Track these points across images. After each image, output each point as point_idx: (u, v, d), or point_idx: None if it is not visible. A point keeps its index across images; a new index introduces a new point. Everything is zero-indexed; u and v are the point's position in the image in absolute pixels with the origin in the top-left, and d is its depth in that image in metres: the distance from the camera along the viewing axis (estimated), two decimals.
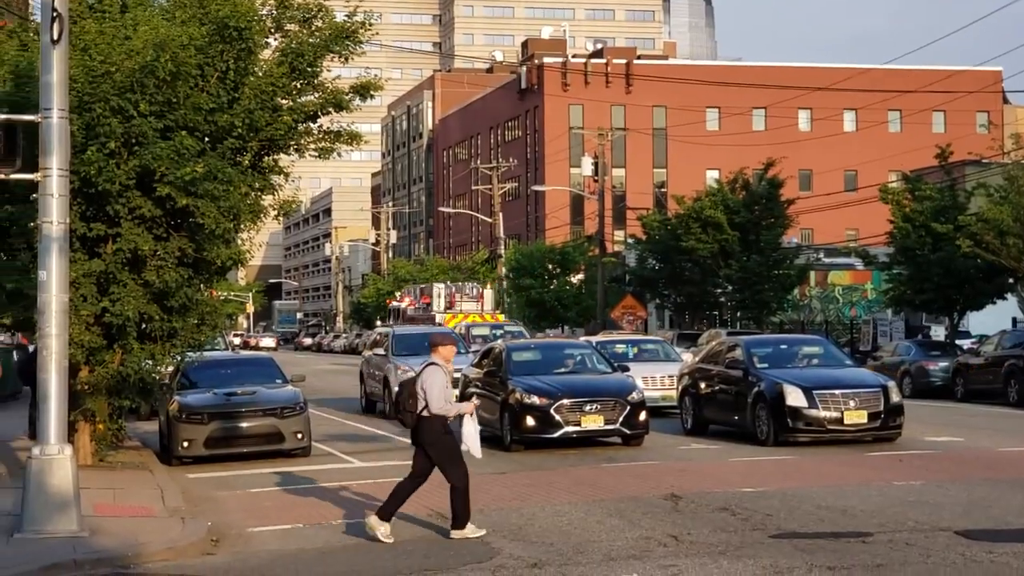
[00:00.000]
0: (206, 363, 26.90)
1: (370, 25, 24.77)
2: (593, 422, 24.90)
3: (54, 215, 16.07)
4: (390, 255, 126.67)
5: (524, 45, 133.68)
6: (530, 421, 24.98)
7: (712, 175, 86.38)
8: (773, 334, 47.97)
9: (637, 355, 34.47)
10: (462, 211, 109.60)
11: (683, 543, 14.63)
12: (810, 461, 22.40)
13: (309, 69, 24.18)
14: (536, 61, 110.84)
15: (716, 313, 69.43)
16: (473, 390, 27.49)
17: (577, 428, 24.87)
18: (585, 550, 14.42)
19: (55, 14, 15.97)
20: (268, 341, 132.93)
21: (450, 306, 63.53)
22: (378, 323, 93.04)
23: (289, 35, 24.24)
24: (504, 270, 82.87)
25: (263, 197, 24.22)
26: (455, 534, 15.71)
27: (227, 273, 25.41)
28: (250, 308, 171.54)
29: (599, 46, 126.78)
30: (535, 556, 14.20)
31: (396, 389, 33.14)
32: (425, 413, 15.79)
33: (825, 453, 23.46)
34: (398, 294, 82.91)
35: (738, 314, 65.18)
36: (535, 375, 26.24)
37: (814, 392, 24.44)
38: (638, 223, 70.33)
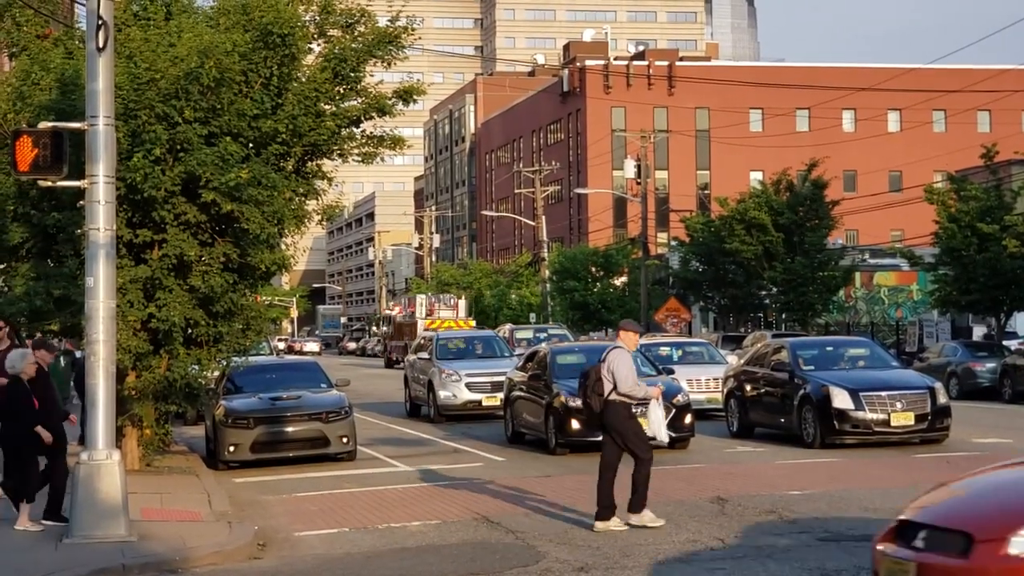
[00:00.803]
0: (252, 368, 27.00)
1: (412, 30, 24.82)
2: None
3: (101, 222, 16.16)
4: (433, 259, 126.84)
5: (566, 48, 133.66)
6: (575, 424, 24.65)
7: (756, 176, 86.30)
8: (818, 336, 47.74)
9: (682, 357, 34.39)
10: (504, 215, 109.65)
11: (730, 546, 14.59)
12: (857, 463, 22.29)
13: (352, 74, 24.25)
14: (578, 64, 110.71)
15: (761, 315, 69.18)
16: (518, 393, 27.48)
17: None
18: (631, 553, 14.40)
19: (100, 22, 16.05)
20: (312, 346, 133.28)
21: (430, 313, 75.05)
22: (375, 329, 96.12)
23: (332, 40, 24.32)
24: (547, 273, 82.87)
25: (307, 202, 24.31)
26: (633, 519, 16.04)
27: (271, 278, 25.48)
28: (294, 313, 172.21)
29: (641, 48, 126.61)
30: (581, 560, 14.19)
31: (442, 394, 33.41)
32: (612, 397, 16.26)
33: (872, 455, 23.35)
34: (391, 303, 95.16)
35: (783, 316, 64.92)
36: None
37: (860, 394, 24.32)
38: (681, 225, 70.19)
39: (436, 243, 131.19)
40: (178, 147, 21.31)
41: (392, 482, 22.08)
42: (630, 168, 77.25)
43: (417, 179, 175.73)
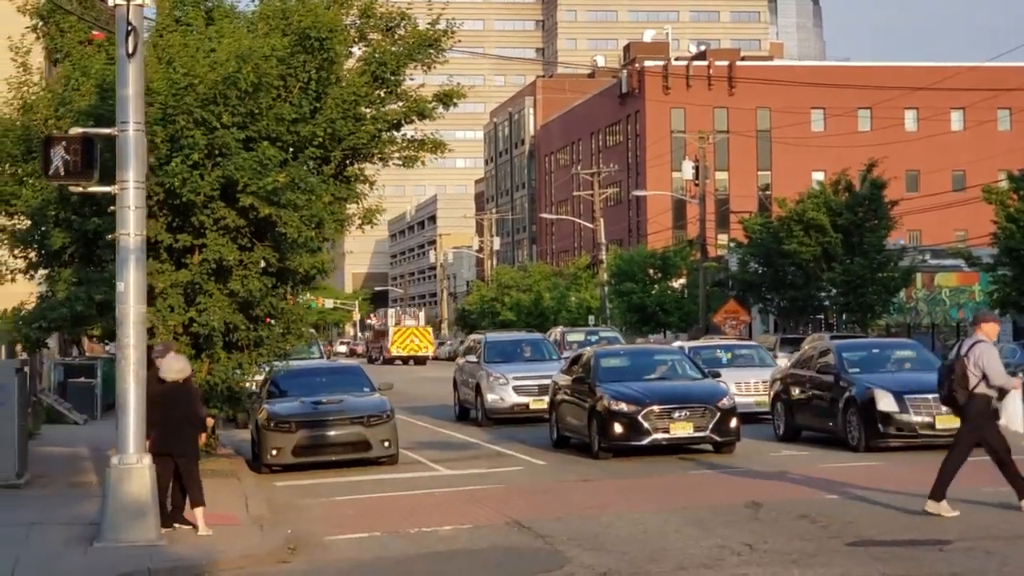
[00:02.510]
0: (296, 372, 27.09)
1: (452, 33, 24.83)
2: (682, 429, 24.34)
3: (131, 227, 16.25)
4: (494, 262, 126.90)
5: (626, 49, 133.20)
6: (618, 428, 24.42)
7: (817, 177, 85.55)
8: (877, 338, 47.25)
9: (731, 360, 34.13)
10: (563, 217, 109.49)
11: (757, 551, 14.43)
12: (900, 467, 22.02)
13: (392, 77, 24.29)
14: (637, 65, 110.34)
15: (821, 317, 68.64)
16: (562, 397, 27.35)
17: (666, 435, 24.32)
18: (658, 559, 14.27)
19: (130, 28, 16.14)
20: None
21: (398, 322, 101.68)
22: (367, 333, 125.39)
23: (372, 44, 24.36)
24: (605, 275, 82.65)
25: (347, 206, 24.36)
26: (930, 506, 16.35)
27: (311, 282, 25.53)
28: (356, 316, 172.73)
29: (702, 48, 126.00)
30: (606, 565, 14.08)
31: (490, 397, 33.26)
32: (979, 390, 16.36)
33: (916, 458, 22.99)
34: (372, 315, 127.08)
35: (843, 318, 64.37)
36: (624, 381, 25.74)
37: (905, 397, 24.02)
38: (741, 227, 69.78)
39: (496, 246, 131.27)
40: (216, 152, 21.39)
41: (431, 486, 22.04)
42: (688, 169, 76.84)
43: (478, 182, 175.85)
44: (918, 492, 18.71)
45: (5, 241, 23.66)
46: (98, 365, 37.41)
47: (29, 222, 23.29)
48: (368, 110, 24.28)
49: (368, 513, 19.27)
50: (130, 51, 16.11)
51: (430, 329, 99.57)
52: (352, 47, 24.90)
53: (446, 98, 24.88)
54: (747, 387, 31.59)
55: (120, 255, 16.28)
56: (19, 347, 26.15)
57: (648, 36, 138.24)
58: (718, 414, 24.47)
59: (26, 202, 22.16)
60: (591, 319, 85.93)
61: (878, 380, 24.80)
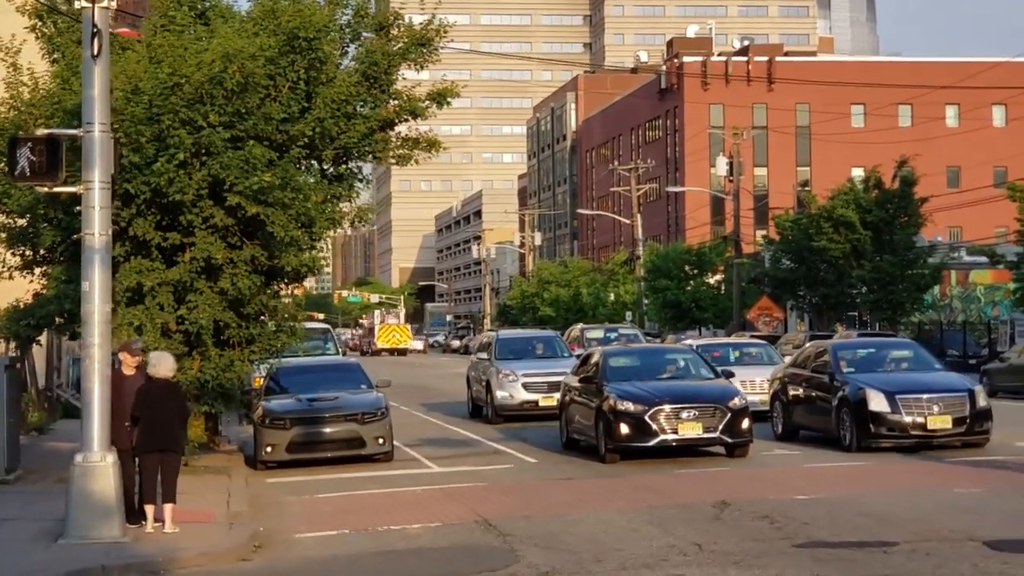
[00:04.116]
0: (294, 368, 27.26)
1: (445, 32, 24.89)
2: (691, 429, 23.33)
3: (96, 227, 16.40)
4: (535, 257, 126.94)
5: (669, 44, 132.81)
6: (624, 428, 23.45)
7: (856, 173, 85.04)
8: (886, 337, 46.78)
9: (739, 359, 33.97)
10: (601, 213, 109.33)
11: (705, 552, 14.48)
12: (885, 467, 21.96)
13: (384, 77, 24.38)
14: (676, 61, 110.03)
15: (855, 314, 68.29)
16: (571, 397, 26.78)
17: (675, 436, 23.29)
18: (604, 558, 14.34)
19: (95, 30, 16.30)
20: (416, 344, 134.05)
21: (383, 321, 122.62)
22: (359, 330, 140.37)
23: (364, 44, 24.47)
24: (642, 271, 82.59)
25: (340, 205, 24.49)
26: None
27: (302, 280, 25.68)
28: (402, 310, 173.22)
29: (746, 43, 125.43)
30: (551, 564, 14.18)
31: (499, 394, 33.36)
32: None
33: (905, 459, 22.99)
34: (364, 316, 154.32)
35: (875, 314, 64.03)
36: (632, 381, 24.83)
37: (897, 397, 23.91)
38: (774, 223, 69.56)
39: (538, 241, 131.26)
40: (203, 151, 21.55)
41: (416, 484, 22.13)
42: (722, 165, 76.60)
43: (520, 177, 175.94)
44: (889, 492, 18.78)
45: (3, 239, 23.92)
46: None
47: (25, 220, 23.55)
48: (362, 109, 24.39)
49: (344, 511, 19.40)
50: (95, 52, 16.27)
51: (408, 326, 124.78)
52: (347, 47, 25.02)
53: (439, 97, 24.94)
54: (753, 386, 31.40)
55: (85, 255, 16.43)
56: (10, 344, 26.42)
57: (691, 31, 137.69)
58: (729, 414, 23.53)
59: (17, 201, 22.41)
60: (628, 315, 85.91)
61: (871, 380, 24.70)
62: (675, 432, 23.38)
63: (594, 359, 26.96)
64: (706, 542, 15.03)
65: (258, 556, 15.92)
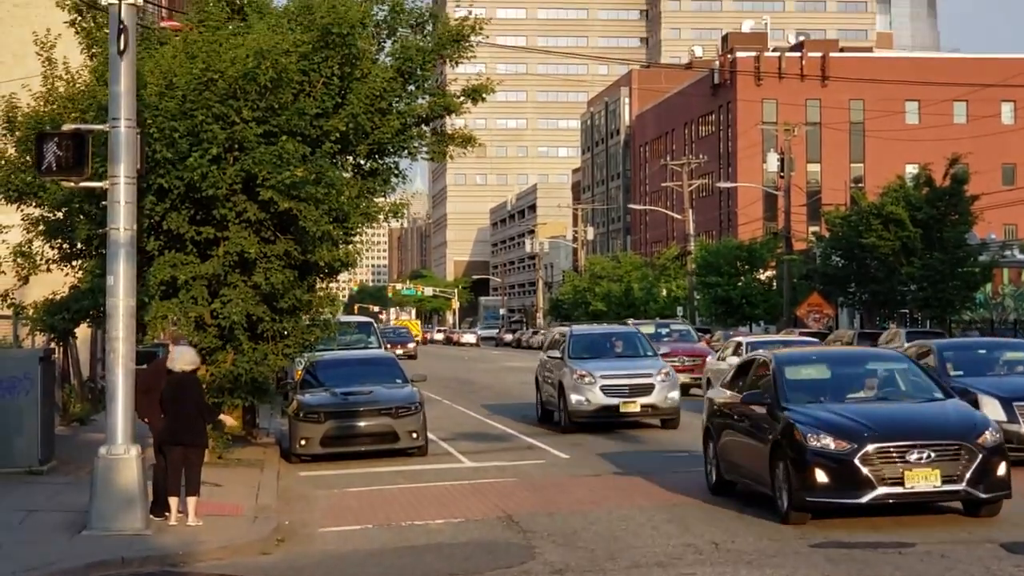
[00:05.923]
0: (331, 362, 27.41)
1: (481, 29, 24.91)
2: (924, 480, 15.79)
3: (121, 222, 16.56)
4: (588, 251, 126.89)
5: (724, 39, 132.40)
6: (820, 476, 15.92)
7: (911, 169, 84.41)
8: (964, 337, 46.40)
9: None
10: (652, 208, 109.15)
11: (721, 551, 14.46)
12: None
13: (420, 72, 24.43)
14: (730, 56, 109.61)
15: (906, 311, 67.81)
16: (722, 422, 19.36)
17: (899, 489, 15.75)
18: (618, 556, 14.35)
19: (121, 26, 16.45)
20: (469, 337, 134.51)
21: (396, 317, 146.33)
22: (394, 321, 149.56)
23: (399, 40, 24.54)
24: (693, 267, 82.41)
25: (375, 200, 24.57)
26: None
27: (336, 274, 25.79)
28: (455, 304, 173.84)
29: (801, 39, 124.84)
30: (565, 561, 14.20)
31: (574, 398, 30.24)
32: None
33: None
34: (381, 313, 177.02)
35: (925, 312, 63.54)
36: (822, 402, 17.36)
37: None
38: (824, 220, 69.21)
39: (590, 236, 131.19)
40: (236, 146, 21.67)
41: (445, 478, 22.16)
42: (773, 162, 76.24)
43: (575, 171, 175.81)
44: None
45: (41, 231, 24.12)
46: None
47: (61, 214, 23.74)
48: (397, 104, 24.46)
49: (371, 505, 19.50)
50: (121, 49, 16.41)
51: (418, 322, 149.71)
52: (383, 43, 25.09)
53: (475, 93, 24.97)
54: None
55: (110, 249, 16.60)
56: (48, 337, 26.65)
57: (747, 26, 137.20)
58: (979, 456, 15.96)
59: (52, 194, 22.61)
60: (679, 310, 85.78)
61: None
62: (899, 483, 15.76)
63: (760, 369, 19.08)
64: (724, 541, 15.01)
65: (279, 550, 16.01)
